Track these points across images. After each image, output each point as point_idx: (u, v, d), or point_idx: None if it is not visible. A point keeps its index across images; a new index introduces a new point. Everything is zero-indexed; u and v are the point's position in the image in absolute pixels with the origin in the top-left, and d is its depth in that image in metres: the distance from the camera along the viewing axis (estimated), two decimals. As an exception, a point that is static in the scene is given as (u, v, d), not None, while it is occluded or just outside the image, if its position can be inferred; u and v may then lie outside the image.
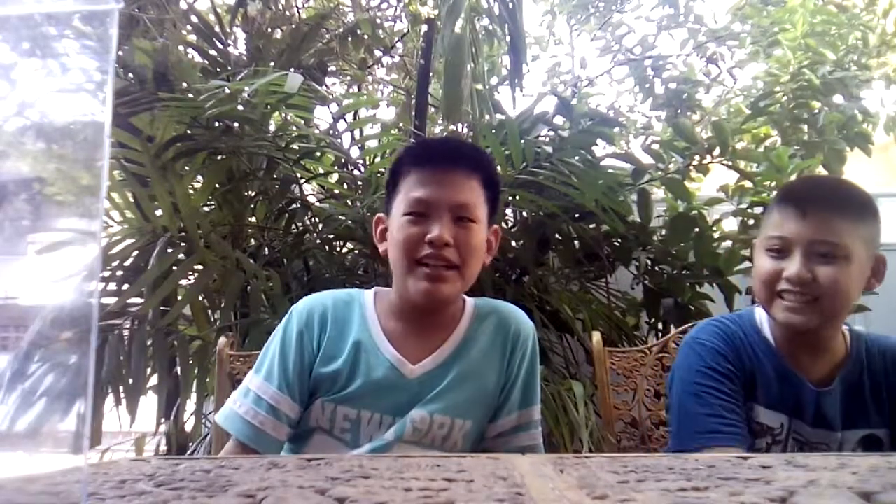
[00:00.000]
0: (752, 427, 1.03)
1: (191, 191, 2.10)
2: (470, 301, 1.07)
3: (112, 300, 1.87)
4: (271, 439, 0.95)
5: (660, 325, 2.25)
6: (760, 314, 1.09)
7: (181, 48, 2.44)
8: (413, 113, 2.68)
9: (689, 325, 1.40)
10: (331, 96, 2.76)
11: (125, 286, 1.91)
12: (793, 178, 2.31)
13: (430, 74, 2.84)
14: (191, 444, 2.03)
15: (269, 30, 2.80)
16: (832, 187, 1.05)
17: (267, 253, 2.22)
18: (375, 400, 0.96)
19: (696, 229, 2.20)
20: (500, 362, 1.02)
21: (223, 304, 2.02)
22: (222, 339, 1.31)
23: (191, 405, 2.06)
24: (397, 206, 0.98)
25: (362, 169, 2.32)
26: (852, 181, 1.05)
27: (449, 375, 0.98)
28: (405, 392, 0.96)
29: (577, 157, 2.06)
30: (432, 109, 3.18)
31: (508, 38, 2.55)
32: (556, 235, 2.33)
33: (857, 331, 1.08)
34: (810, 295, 0.96)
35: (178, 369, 1.94)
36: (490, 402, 1.01)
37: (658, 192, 2.55)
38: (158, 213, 1.93)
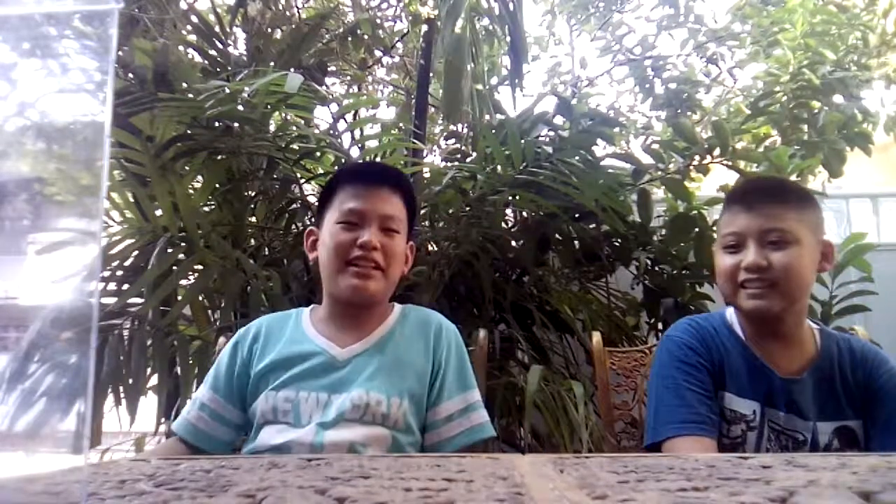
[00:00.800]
0: (726, 414, 1.09)
1: (191, 191, 2.10)
2: (398, 306, 1.19)
3: (112, 300, 1.87)
4: (209, 436, 1.10)
5: (660, 325, 2.25)
6: (731, 313, 1.17)
7: (181, 48, 2.44)
8: (413, 113, 2.68)
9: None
10: (331, 96, 2.75)
11: (125, 286, 1.91)
12: (799, 175, 2.31)
13: (430, 74, 2.84)
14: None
15: (269, 30, 2.80)
16: (773, 183, 1.16)
17: (267, 253, 2.22)
18: (311, 380, 1.06)
19: (696, 229, 2.20)
20: (424, 350, 1.12)
21: (223, 304, 2.02)
22: (222, 340, 1.32)
23: (191, 405, 2.06)
24: (330, 216, 1.12)
25: (362, 169, 2.31)
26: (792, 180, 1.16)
27: (377, 358, 1.08)
28: (337, 372, 1.07)
29: (577, 157, 2.06)
30: (432, 109, 3.18)
31: (508, 38, 2.55)
32: (556, 235, 2.33)
33: (827, 329, 1.15)
34: (768, 280, 1.05)
35: (178, 369, 1.94)
36: (422, 385, 1.09)
37: (658, 192, 2.55)
38: (158, 213, 1.93)
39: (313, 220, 2.31)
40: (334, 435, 1.00)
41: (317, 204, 1.19)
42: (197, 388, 1.92)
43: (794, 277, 1.05)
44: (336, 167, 2.44)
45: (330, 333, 1.12)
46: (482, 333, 1.36)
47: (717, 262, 1.13)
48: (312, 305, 1.20)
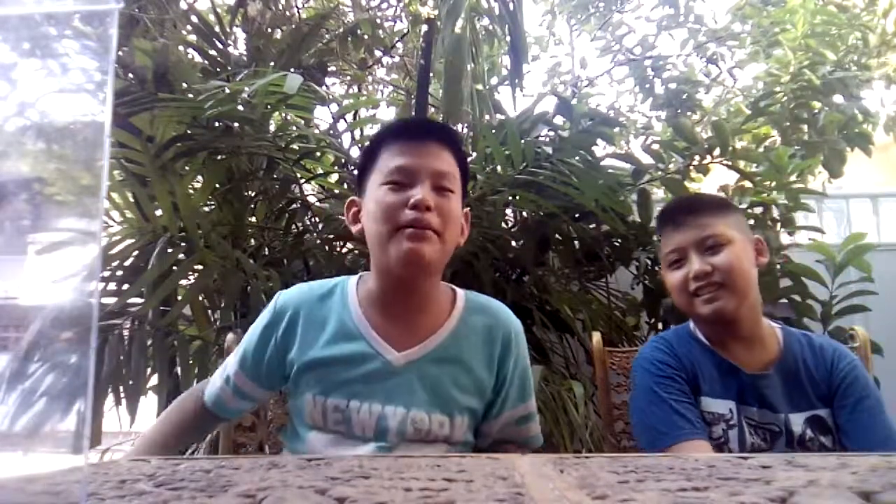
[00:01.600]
0: (706, 417, 1.15)
1: (191, 191, 2.10)
2: (461, 294, 1.07)
3: (112, 300, 1.87)
4: (227, 408, 1.08)
5: (660, 325, 2.25)
6: (693, 325, 1.25)
7: (181, 48, 2.44)
8: (413, 113, 2.68)
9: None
10: (331, 96, 2.75)
11: (125, 286, 1.91)
12: (799, 175, 2.31)
13: (430, 74, 2.84)
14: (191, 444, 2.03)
15: (269, 30, 2.80)
16: (692, 199, 1.31)
17: (267, 253, 2.22)
18: (363, 388, 0.96)
19: (696, 229, 2.20)
20: (488, 363, 1.02)
21: (223, 304, 2.02)
22: (230, 336, 1.33)
23: (191, 405, 2.06)
24: (374, 179, 0.98)
25: (362, 169, 2.31)
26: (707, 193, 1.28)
27: (437, 369, 0.98)
28: (392, 379, 0.96)
29: (577, 158, 2.06)
30: (432, 109, 3.17)
31: (508, 38, 2.55)
32: (556, 235, 2.33)
33: (788, 328, 1.23)
34: (716, 282, 1.13)
35: (179, 369, 1.94)
36: (482, 400, 1.01)
37: (658, 192, 2.55)
38: (158, 213, 1.93)
39: (315, 220, 2.31)
40: (396, 454, 0.92)
41: (356, 172, 1.06)
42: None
43: (738, 274, 1.13)
44: (336, 167, 2.44)
45: (383, 327, 0.99)
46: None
47: (667, 282, 1.22)
48: (360, 275, 1.06)
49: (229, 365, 1.07)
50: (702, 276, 1.14)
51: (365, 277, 1.05)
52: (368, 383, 0.96)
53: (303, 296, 1.04)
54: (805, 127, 2.90)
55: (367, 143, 1.07)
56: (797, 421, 1.12)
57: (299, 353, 1.00)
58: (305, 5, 3.40)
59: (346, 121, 2.59)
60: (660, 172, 2.32)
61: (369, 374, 0.96)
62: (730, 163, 2.27)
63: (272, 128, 2.20)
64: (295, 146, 2.12)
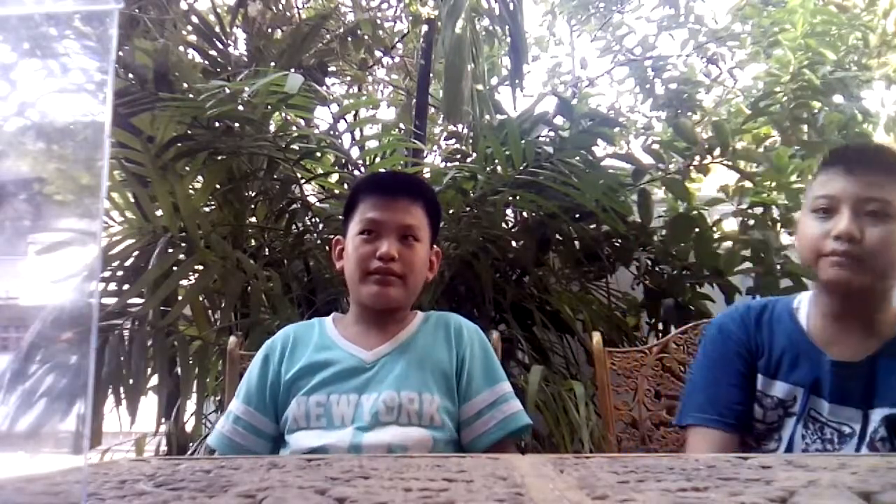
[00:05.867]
0: (764, 401, 1.04)
1: (191, 191, 2.10)
2: (420, 313, 1.23)
3: (112, 300, 1.87)
4: (245, 449, 1.11)
5: (660, 326, 2.25)
6: (801, 297, 1.09)
7: (181, 48, 2.44)
8: (413, 113, 2.68)
9: (690, 325, 1.40)
10: (331, 97, 2.76)
11: (125, 286, 1.91)
12: (799, 175, 2.31)
13: (431, 75, 2.84)
14: (191, 445, 2.03)
15: (270, 30, 2.80)
16: (879, 149, 1.07)
17: (267, 253, 2.22)
18: (340, 383, 1.08)
19: (697, 230, 2.20)
20: (447, 349, 1.14)
21: (223, 305, 2.02)
22: (232, 339, 1.34)
23: (191, 405, 2.06)
24: (353, 227, 1.15)
25: (362, 169, 2.32)
26: None
27: (404, 358, 1.11)
28: (365, 373, 1.10)
29: (577, 158, 2.06)
30: (432, 110, 3.18)
31: (509, 39, 2.55)
32: (557, 236, 2.33)
33: None
34: (858, 253, 0.94)
35: (179, 370, 1.94)
36: (449, 383, 1.11)
37: (658, 193, 2.55)
38: (158, 213, 1.93)
39: (315, 220, 2.31)
40: (372, 437, 1.02)
41: (342, 215, 1.23)
42: (197, 388, 1.93)
43: (887, 254, 0.94)
44: (336, 167, 2.44)
45: (356, 338, 1.15)
46: (495, 335, 1.36)
47: (801, 227, 1.03)
48: (333, 315, 1.23)
49: (232, 409, 1.14)
50: (846, 239, 0.94)
51: (338, 316, 1.22)
52: (345, 379, 1.08)
53: (290, 329, 1.20)
54: (805, 127, 2.90)
55: (351, 190, 1.25)
56: (876, 417, 0.97)
57: (287, 371, 1.12)
58: (306, 5, 3.40)
59: (346, 121, 2.59)
60: (660, 173, 2.32)
61: (345, 371, 1.09)
62: (730, 163, 2.27)
63: (272, 128, 2.20)
64: (295, 146, 2.11)
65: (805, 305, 1.08)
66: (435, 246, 1.23)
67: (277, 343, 1.17)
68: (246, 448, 1.10)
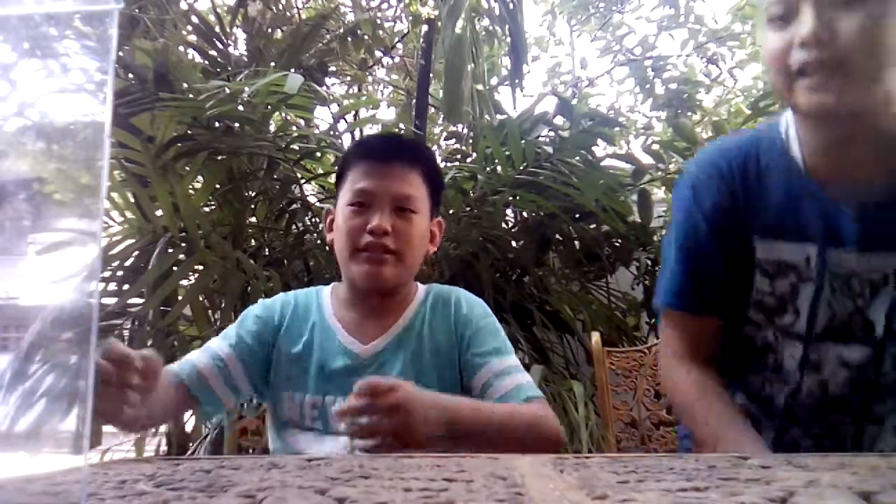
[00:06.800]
0: (766, 269, 0.86)
1: (191, 191, 2.10)
2: (422, 287, 1.11)
3: (112, 300, 1.87)
4: (212, 393, 0.98)
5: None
6: (787, 120, 0.86)
7: (181, 48, 2.44)
8: (413, 113, 2.68)
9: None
10: (331, 97, 2.76)
11: (125, 286, 1.91)
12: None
13: (431, 75, 2.84)
14: (191, 444, 2.03)
15: (270, 30, 2.80)
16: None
17: (267, 253, 2.22)
18: (336, 384, 0.99)
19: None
20: (447, 331, 1.03)
21: (223, 305, 2.02)
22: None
23: (191, 405, 2.06)
24: (342, 197, 1.03)
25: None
26: None
27: (403, 353, 1.01)
28: (362, 371, 0.99)
29: (577, 158, 2.06)
30: (432, 110, 3.18)
31: (508, 39, 2.55)
32: (557, 236, 2.33)
33: None
34: (833, 59, 0.71)
35: (179, 369, 1.94)
36: (453, 369, 1.02)
37: (658, 193, 2.55)
38: (158, 213, 1.93)
39: (315, 220, 2.31)
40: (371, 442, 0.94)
41: (334, 183, 1.11)
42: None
43: (872, 51, 0.70)
44: (336, 167, 2.44)
45: (352, 323, 1.04)
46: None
47: (764, 49, 0.80)
48: (333, 286, 1.11)
49: (215, 349, 1.02)
50: (813, 45, 0.71)
51: (337, 286, 1.11)
52: (341, 378, 0.99)
53: (289, 298, 1.10)
54: (805, 127, 2.90)
55: (343, 155, 1.12)
56: None
57: (283, 346, 1.03)
58: (306, 5, 3.40)
59: (346, 121, 2.59)
60: (660, 172, 2.32)
61: (340, 370, 1.00)
62: (730, 163, 2.26)
63: (272, 128, 2.20)
64: (295, 146, 2.12)
65: (793, 129, 0.84)
66: (437, 217, 1.11)
67: (277, 308, 1.07)
68: (211, 395, 0.98)
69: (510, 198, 2.12)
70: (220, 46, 2.48)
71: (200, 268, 1.94)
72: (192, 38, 2.64)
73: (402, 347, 1.03)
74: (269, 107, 1.97)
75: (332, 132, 2.37)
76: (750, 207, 0.86)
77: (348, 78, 3.37)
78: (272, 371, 1.03)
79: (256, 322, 1.05)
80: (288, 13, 3.06)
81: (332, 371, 1.01)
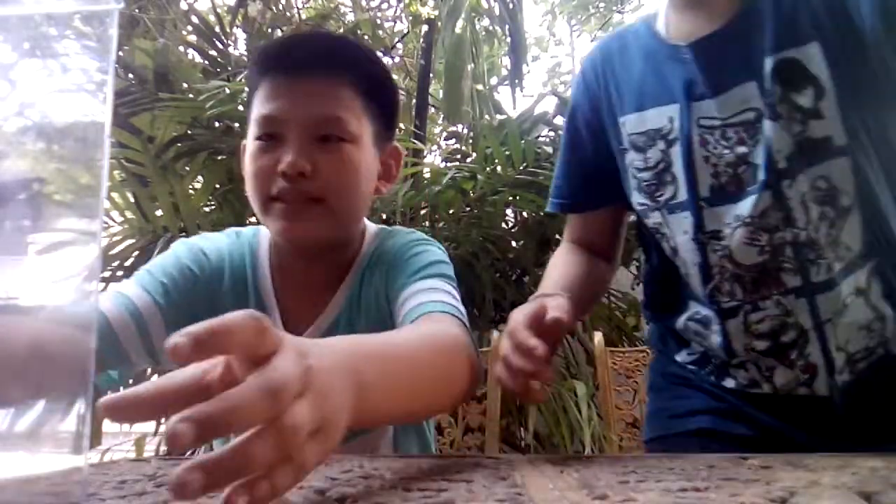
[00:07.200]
0: (635, 142, 0.81)
1: (191, 191, 2.10)
2: (372, 233, 0.86)
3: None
4: (121, 352, 0.73)
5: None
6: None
7: (181, 48, 2.44)
8: (413, 113, 2.68)
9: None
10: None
11: (125, 286, 1.91)
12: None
13: (431, 75, 2.84)
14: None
15: (270, 30, 2.80)
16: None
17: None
18: None
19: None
20: (378, 287, 0.81)
21: (223, 305, 2.02)
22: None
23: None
24: (250, 128, 0.78)
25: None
26: None
27: (346, 331, 0.78)
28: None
29: (577, 158, 2.06)
30: (432, 109, 3.18)
31: (508, 39, 2.56)
32: (557, 236, 2.33)
33: None
34: None
35: (179, 369, 1.94)
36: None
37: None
38: (159, 213, 1.93)
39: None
40: None
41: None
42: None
43: None
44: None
45: (290, 298, 0.81)
46: (495, 334, 1.36)
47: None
48: (271, 242, 0.85)
49: (128, 291, 0.75)
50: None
51: (276, 248, 0.85)
52: None
53: (223, 252, 0.84)
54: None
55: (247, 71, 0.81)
56: (767, 65, 0.71)
57: (211, 313, 0.78)
58: (305, 5, 3.40)
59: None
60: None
61: None
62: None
63: (272, 128, 2.20)
64: (295, 146, 2.11)
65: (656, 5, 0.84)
66: (392, 143, 0.85)
67: (207, 264, 0.82)
68: (119, 355, 0.73)
69: (510, 198, 2.12)
70: (220, 46, 2.48)
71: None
72: (192, 38, 2.65)
73: (341, 327, 0.80)
74: (270, 107, 1.97)
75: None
76: (617, 92, 0.85)
77: (348, 78, 3.37)
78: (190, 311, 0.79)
79: (186, 276, 0.80)
80: (288, 13, 3.06)
81: None
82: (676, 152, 0.77)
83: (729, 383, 0.80)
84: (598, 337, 1.42)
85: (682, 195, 0.77)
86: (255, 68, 0.79)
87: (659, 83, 0.79)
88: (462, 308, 0.73)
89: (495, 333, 1.37)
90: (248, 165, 0.76)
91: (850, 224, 0.71)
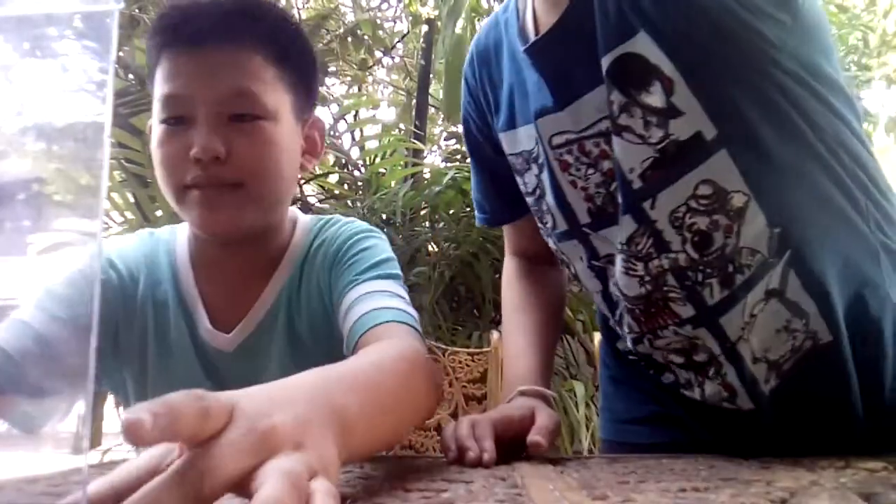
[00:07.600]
0: (515, 165, 0.73)
1: (191, 191, 2.10)
2: (304, 223, 0.79)
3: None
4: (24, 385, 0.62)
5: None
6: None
7: (181, 48, 2.44)
8: (413, 113, 2.68)
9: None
10: (331, 97, 2.76)
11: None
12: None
13: (431, 75, 2.84)
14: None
15: (270, 30, 2.80)
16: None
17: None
18: (196, 382, 0.60)
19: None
20: (322, 293, 0.74)
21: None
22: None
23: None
24: (154, 109, 0.70)
25: (362, 170, 2.32)
26: None
27: (275, 345, 0.73)
28: (225, 372, 0.73)
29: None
30: (432, 110, 3.18)
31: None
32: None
33: None
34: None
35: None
36: (330, 338, 0.72)
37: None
38: (159, 213, 1.93)
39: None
40: None
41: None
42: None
43: None
44: (336, 167, 2.44)
45: (214, 289, 0.74)
46: (496, 335, 1.36)
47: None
48: (190, 236, 0.77)
49: (27, 318, 0.63)
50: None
51: (196, 244, 0.77)
52: (199, 375, 0.72)
53: (139, 258, 0.77)
54: (805, 127, 2.90)
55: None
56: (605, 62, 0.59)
57: (125, 323, 0.73)
58: (306, 5, 3.40)
59: (346, 121, 2.59)
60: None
61: (198, 367, 0.73)
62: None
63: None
64: (295, 146, 2.11)
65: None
66: (311, 115, 0.76)
67: (115, 275, 0.73)
68: (18, 377, 0.61)
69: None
70: (221, 46, 2.48)
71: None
72: (193, 38, 2.64)
73: (270, 335, 0.73)
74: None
75: (332, 132, 2.37)
76: (495, 102, 0.74)
77: (348, 78, 3.37)
78: (108, 364, 0.73)
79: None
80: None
81: (188, 368, 0.72)
82: (545, 180, 0.68)
83: (667, 378, 0.70)
84: (598, 337, 1.42)
85: (562, 225, 0.69)
86: (153, 41, 0.69)
87: (522, 95, 0.68)
88: (414, 312, 0.68)
89: (495, 334, 1.37)
90: (155, 152, 0.68)
91: (749, 226, 0.59)
